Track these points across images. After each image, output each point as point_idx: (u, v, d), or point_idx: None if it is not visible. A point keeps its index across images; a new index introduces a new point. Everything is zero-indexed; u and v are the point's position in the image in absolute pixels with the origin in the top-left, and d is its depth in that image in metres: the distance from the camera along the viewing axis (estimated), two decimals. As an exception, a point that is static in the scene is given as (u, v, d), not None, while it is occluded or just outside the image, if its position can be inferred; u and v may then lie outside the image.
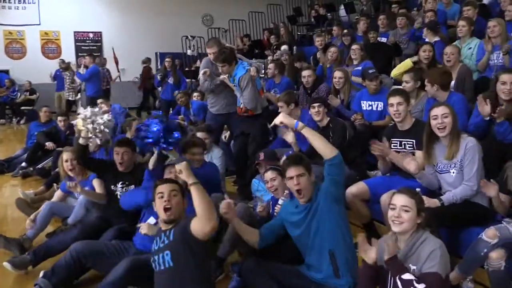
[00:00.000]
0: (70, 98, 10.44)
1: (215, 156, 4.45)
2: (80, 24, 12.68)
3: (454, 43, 4.98)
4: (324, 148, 2.55)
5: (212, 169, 3.79)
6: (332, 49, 6.06)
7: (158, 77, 8.52)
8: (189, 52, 11.63)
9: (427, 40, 5.48)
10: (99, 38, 13.13)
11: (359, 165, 4.02)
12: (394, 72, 5.07)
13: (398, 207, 2.22)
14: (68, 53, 12.46)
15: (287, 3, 13.12)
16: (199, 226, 2.33)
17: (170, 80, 8.34)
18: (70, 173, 3.96)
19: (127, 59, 11.20)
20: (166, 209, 2.49)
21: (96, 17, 12.69)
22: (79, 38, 13.06)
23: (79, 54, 12.40)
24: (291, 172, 2.61)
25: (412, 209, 2.21)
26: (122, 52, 11.68)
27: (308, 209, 2.62)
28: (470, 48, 4.93)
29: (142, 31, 12.50)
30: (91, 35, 13.12)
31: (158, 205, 2.53)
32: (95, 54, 10.94)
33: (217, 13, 13.00)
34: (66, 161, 3.94)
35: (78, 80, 9.20)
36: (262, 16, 12.90)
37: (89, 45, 13.08)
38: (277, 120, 2.74)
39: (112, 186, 3.53)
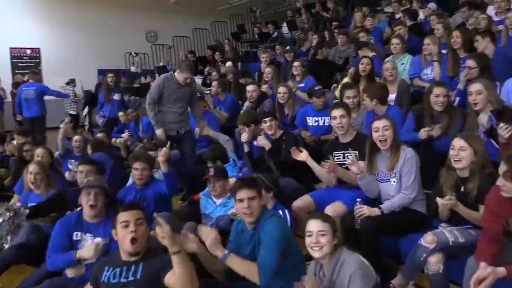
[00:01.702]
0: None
1: None
2: (17, 40, 12.08)
3: (389, 59, 5.28)
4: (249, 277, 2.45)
5: (160, 187, 3.71)
6: (267, 70, 6.13)
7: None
8: (132, 68, 11.43)
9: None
10: (37, 55, 12.56)
11: (307, 177, 4.09)
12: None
13: (315, 233, 2.28)
14: (4, 70, 11.80)
15: (231, 20, 13.29)
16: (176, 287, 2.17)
17: (116, 97, 8.15)
18: (31, 186, 3.75)
19: (68, 76, 10.79)
20: (133, 241, 2.28)
21: (34, 32, 12.14)
22: (15, 55, 12.41)
23: (16, 71, 11.78)
24: (242, 194, 2.54)
25: (328, 232, 2.28)
26: (62, 69, 11.25)
27: (253, 235, 2.59)
28: (403, 64, 5.25)
29: (83, 48, 12.10)
30: (28, 51, 12.51)
31: (122, 236, 2.31)
32: (32, 71, 10.44)
33: (161, 30, 12.88)
34: (30, 173, 3.73)
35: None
36: (207, 33, 12.98)
37: (26, 61, 12.46)
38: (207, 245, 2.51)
39: None
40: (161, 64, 11.18)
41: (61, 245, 2.87)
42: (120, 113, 7.34)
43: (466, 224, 2.68)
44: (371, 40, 6.55)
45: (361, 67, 5.02)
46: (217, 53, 9.87)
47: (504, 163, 2.17)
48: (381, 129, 3.03)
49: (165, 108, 4.61)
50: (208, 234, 2.49)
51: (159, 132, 4.52)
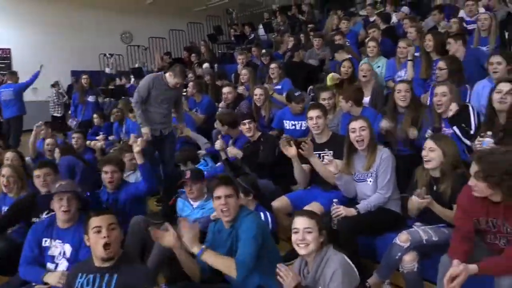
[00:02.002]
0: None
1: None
2: (-14, 40, 11.73)
3: (364, 61, 5.37)
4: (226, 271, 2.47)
5: (135, 187, 3.66)
6: (243, 71, 6.15)
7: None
8: (107, 70, 11.24)
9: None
10: (8, 55, 12.21)
11: (285, 179, 4.10)
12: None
13: (301, 230, 2.29)
14: (-29, 71, 11.44)
15: (207, 21, 13.24)
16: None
17: (91, 99, 8.02)
18: (4, 189, 3.65)
19: (40, 77, 10.51)
20: (105, 246, 2.23)
21: (4, 33, 11.81)
22: (-16, 55, 12.06)
23: (-15, 72, 11.41)
24: (220, 191, 2.56)
25: (314, 230, 2.29)
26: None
27: (230, 234, 2.60)
28: (379, 67, 5.35)
29: (56, 48, 11.81)
30: (-2, 52, 12.17)
31: (94, 241, 2.26)
32: (2, 72, 10.17)
33: (137, 31, 12.71)
34: (3, 176, 3.62)
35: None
36: (183, 34, 12.89)
37: (-4, 62, 12.12)
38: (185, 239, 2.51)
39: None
40: (136, 65, 11.03)
41: (32, 254, 2.83)
42: (95, 115, 7.22)
43: (439, 222, 2.74)
44: (347, 42, 6.64)
45: (343, 70, 5.08)
46: (193, 54, 9.83)
47: (475, 164, 2.23)
48: (358, 130, 3.09)
49: (152, 108, 4.54)
50: (190, 229, 2.49)
51: (145, 130, 4.45)
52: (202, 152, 4.94)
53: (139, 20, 12.62)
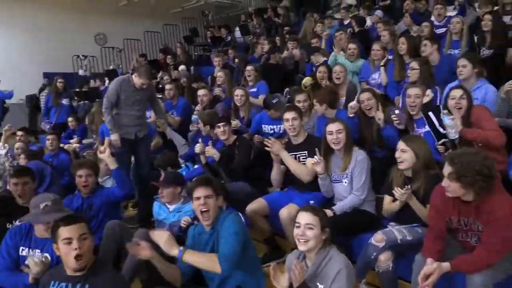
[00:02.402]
0: None
1: None
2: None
3: (339, 60, 5.47)
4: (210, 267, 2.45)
5: (110, 192, 3.60)
6: (219, 74, 6.11)
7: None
8: (81, 72, 11.01)
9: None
10: (-24, 57, 11.85)
11: (261, 182, 4.11)
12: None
13: (303, 225, 2.26)
14: None
15: (183, 23, 13.14)
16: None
17: (65, 102, 7.84)
18: None
19: (12, 79, 10.23)
20: (77, 257, 2.14)
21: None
22: None
23: (-48, 74, 11.02)
24: (199, 192, 2.54)
25: (316, 227, 2.25)
26: (4, 71, 10.66)
27: (211, 235, 2.58)
28: (356, 64, 5.45)
29: (28, 50, 11.50)
30: (-36, 53, 11.76)
31: (65, 252, 2.15)
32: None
33: (111, 32, 12.51)
34: None
35: None
36: (158, 36, 12.77)
37: (-35, 64, 11.70)
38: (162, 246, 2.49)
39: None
40: (111, 67, 10.86)
41: (9, 260, 2.73)
42: (70, 118, 7.10)
43: (413, 222, 2.80)
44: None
45: (319, 75, 5.14)
46: (169, 56, 9.74)
47: (448, 165, 2.28)
48: (335, 132, 3.14)
49: (123, 111, 4.47)
50: (161, 235, 2.46)
51: (114, 137, 4.37)
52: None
53: (114, 21, 12.44)
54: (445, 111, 3.25)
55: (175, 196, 3.42)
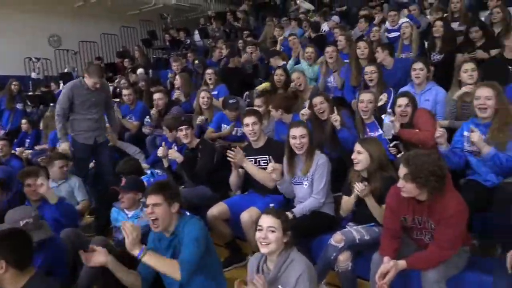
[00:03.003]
0: None
1: (74, 186, 4.26)
2: None
3: (298, 67, 5.55)
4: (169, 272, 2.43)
5: (58, 214, 3.39)
6: (176, 77, 6.06)
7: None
8: (33, 75, 10.59)
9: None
10: None
11: (222, 185, 4.09)
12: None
13: (265, 228, 2.28)
14: None
15: (141, 26, 12.93)
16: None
17: (19, 106, 7.54)
18: None
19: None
20: None
21: None
22: None
23: None
24: (148, 200, 2.50)
25: (278, 229, 2.27)
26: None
27: (171, 241, 2.54)
28: (314, 68, 5.55)
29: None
30: None
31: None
32: None
33: (66, 34, 12.10)
34: None
35: None
36: (115, 39, 12.49)
37: None
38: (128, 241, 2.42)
39: None
40: (65, 70, 10.51)
41: None
42: (23, 121, 6.85)
43: (370, 221, 2.87)
44: (281, 49, 6.81)
45: (276, 78, 5.19)
46: (126, 60, 9.55)
47: (403, 166, 2.36)
48: (298, 137, 3.18)
49: (80, 115, 4.33)
50: (133, 229, 2.40)
51: (64, 146, 4.24)
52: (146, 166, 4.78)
53: (69, 23, 12.05)
54: (389, 111, 3.37)
55: (135, 202, 3.35)
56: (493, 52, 4.53)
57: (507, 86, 3.52)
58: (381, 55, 4.81)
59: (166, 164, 4.16)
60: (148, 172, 4.43)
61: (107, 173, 4.48)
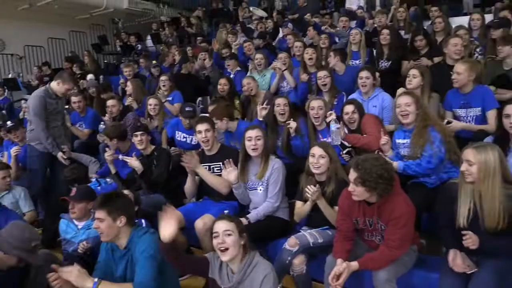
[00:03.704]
0: None
1: (19, 197, 4.14)
2: None
3: (249, 74, 5.61)
4: None
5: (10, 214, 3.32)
6: (128, 83, 5.92)
7: None
8: (-26, 81, 10.04)
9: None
10: None
11: (177, 193, 4.03)
12: None
13: (221, 233, 2.28)
14: None
15: (91, 30, 12.56)
16: None
17: None
18: None
19: None
20: None
21: None
22: None
23: None
24: (96, 214, 2.48)
25: (234, 232, 2.29)
26: None
27: (125, 254, 2.50)
28: (265, 75, 5.65)
29: None
30: None
31: None
32: None
33: (10, 38, 11.52)
34: None
35: None
36: (64, 43, 12.06)
37: None
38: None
39: None
40: (10, 76, 10.00)
41: None
42: None
43: (324, 225, 2.93)
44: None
45: (219, 88, 5.24)
46: (75, 65, 9.23)
47: (353, 171, 2.42)
48: (253, 139, 3.19)
49: (49, 124, 4.30)
50: (70, 272, 2.32)
51: (62, 155, 4.21)
52: (93, 174, 4.63)
53: (13, 26, 11.47)
54: (334, 117, 3.48)
55: (86, 212, 3.25)
56: (436, 59, 4.77)
57: (449, 91, 3.72)
58: (333, 60, 4.93)
59: (113, 171, 4.06)
60: (93, 180, 4.29)
61: (63, 184, 4.33)
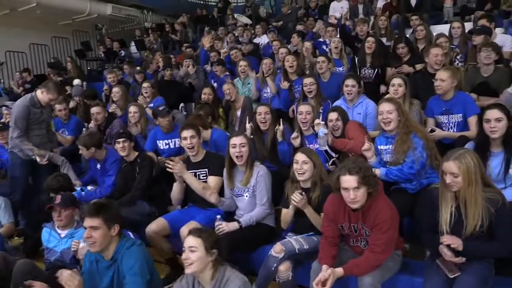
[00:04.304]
0: None
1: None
2: None
3: (235, 80, 5.63)
4: None
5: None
6: (114, 90, 5.84)
7: None
8: (-46, 87, 9.84)
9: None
10: None
11: (161, 200, 4.00)
12: None
13: (187, 248, 2.28)
14: None
15: (74, 36, 12.44)
16: None
17: None
18: None
19: None
20: None
21: None
22: None
23: None
24: (86, 222, 2.44)
25: (199, 248, 2.26)
26: None
27: (111, 265, 2.47)
28: (249, 84, 5.67)
29: None
30: None
31: None
32: None
33: (-9, 43, 11.39)
34: None
35: None
36: (46, 49, 11.91)
37: None
38: None
39: None
40: (-10, 82, 9.88)
41: None
42: None
43: (309, 231, 2.94)
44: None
45: (203, 97, 5.25)
46: (57, 71, 9.11)
47: (351, 175, 2.40)
48: (238, 145, 3.19)
49: (32, 132, 4.29)
50: (72, 279, 2.27)
51: (40, 152, 4.20)
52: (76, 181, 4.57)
53: (-6, 31, 11.33)
54: (322, 123, 3.53)
55: (71, 219, 3.21)
56: (418, 66, 4.85)
57: (431, 98, 3.79)
58: (325, 67, 4.95)
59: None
60: (78, 188, 4.23)
61: (43, 192, 4.25)
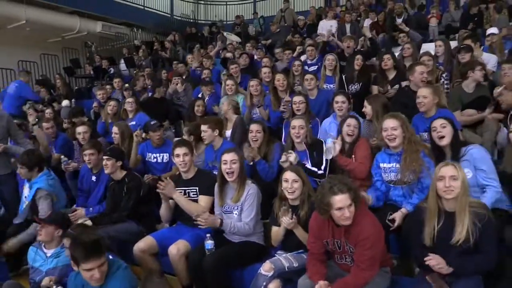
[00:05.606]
0: None
1: None
2: None
3: (224, 97, 5.64)
4: None
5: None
6: (112, 102, 5.91)
7: None
8: None
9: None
10: None
11: (149, 219, 3.96)
12: None
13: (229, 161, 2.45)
14: None
15: (63, 53, 12.42)
16: None
17: None
18: None
19: None
20: None
21: None
22: None
23: None
24: (89, 265, 2.41)
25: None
26: None
27: None
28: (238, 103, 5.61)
29: None
30: None
31: None
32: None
33: (-24, 60, 11.32)
34: None
35: None
36: (35, 66, 11.86)
37: None
38: None
39: None
40: (-23, 99, 9.76)
41: None
42: None
43: (298, 249, 2.94)
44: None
45: (196, 108, 5.30)
46: (43, 89, 9.07)
47: (343, 193, 2.40)
48: (229, 162, 3.19)
49: None
50: None
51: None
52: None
53: (-19, 48, 11.29)
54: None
55: (54, 238, 3.17)
56: (404, 83, 4.91)
57: (415, 116, 3.83)
58: (314, 85, 5.00)
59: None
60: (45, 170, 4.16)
61: (12, 205, 4.27)
